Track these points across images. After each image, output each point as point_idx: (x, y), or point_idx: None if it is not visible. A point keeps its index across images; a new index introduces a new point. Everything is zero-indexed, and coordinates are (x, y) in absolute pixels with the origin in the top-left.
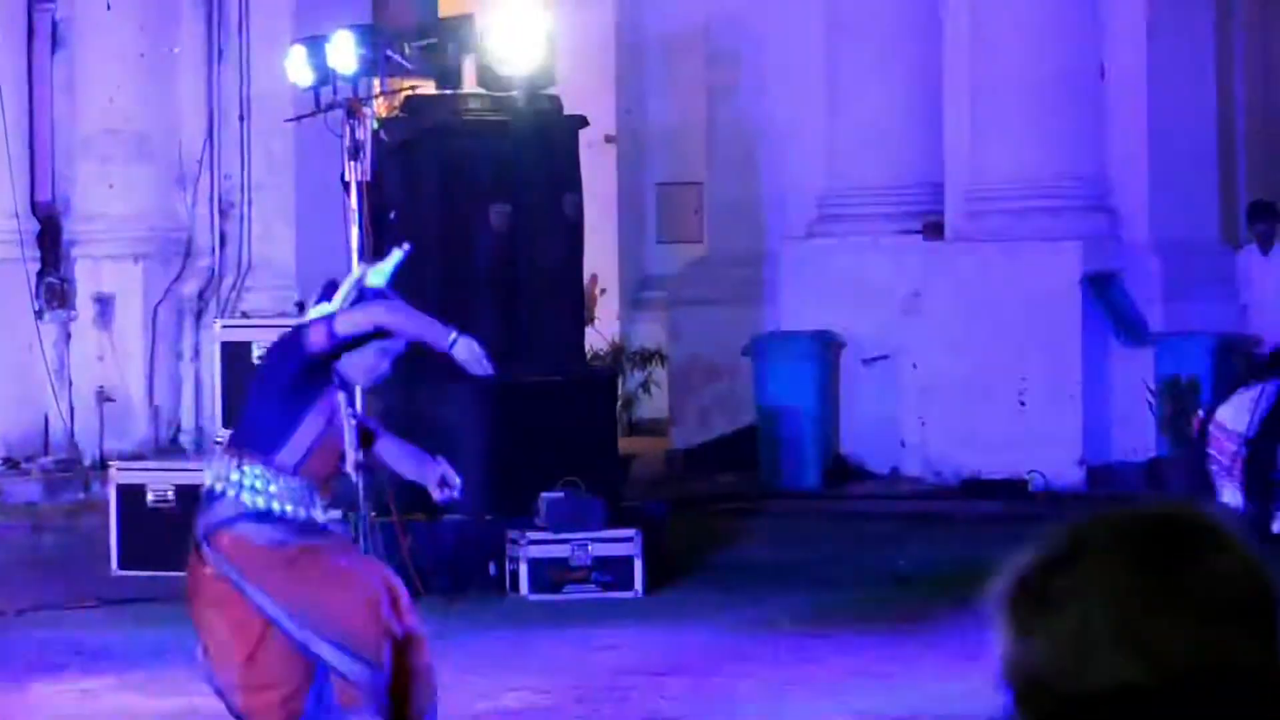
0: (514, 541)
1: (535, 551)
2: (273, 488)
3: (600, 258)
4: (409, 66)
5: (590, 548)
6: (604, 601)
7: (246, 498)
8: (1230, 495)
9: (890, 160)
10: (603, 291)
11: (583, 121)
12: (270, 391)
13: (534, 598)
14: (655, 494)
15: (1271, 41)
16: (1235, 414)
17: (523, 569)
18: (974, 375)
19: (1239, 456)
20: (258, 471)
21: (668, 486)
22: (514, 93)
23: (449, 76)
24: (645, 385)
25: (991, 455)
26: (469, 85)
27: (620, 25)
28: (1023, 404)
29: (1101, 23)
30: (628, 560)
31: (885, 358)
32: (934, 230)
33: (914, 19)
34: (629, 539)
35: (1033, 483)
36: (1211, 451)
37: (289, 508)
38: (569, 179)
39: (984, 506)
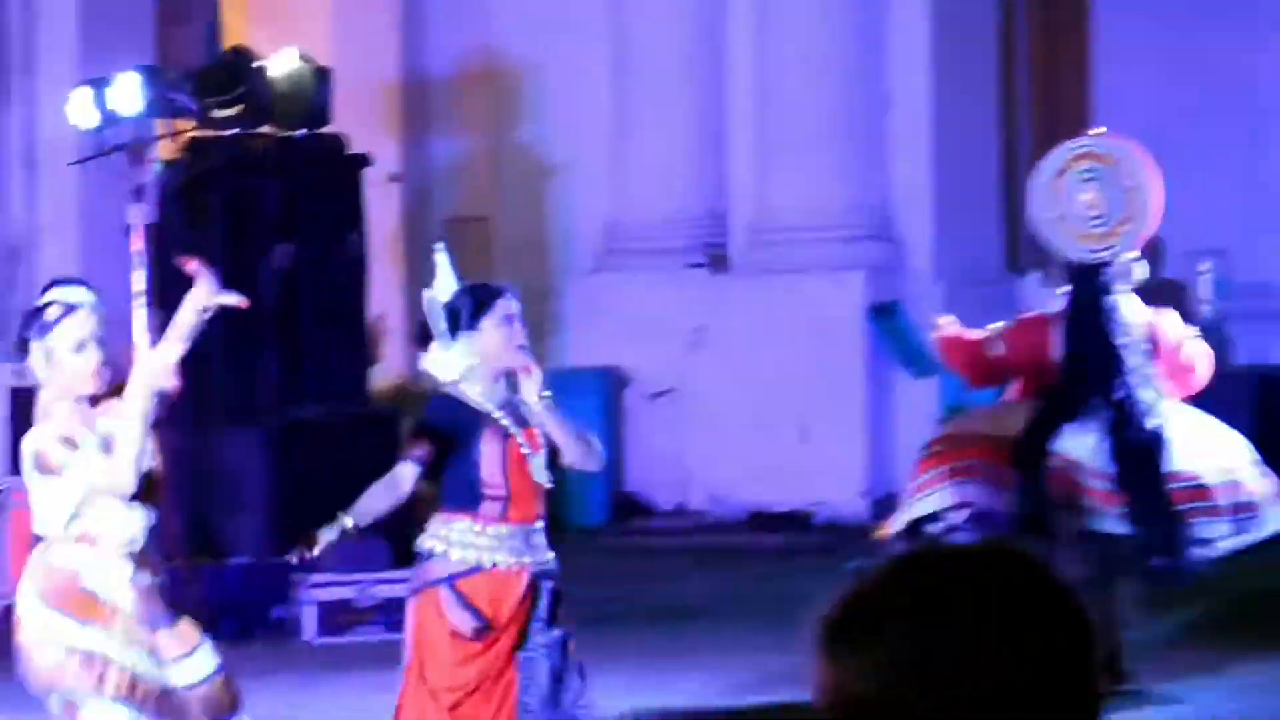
0: (299, 584)
1: (321, 594)
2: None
3: (387, 296)
4: (192, 108)
5: (375, 589)
6: (391, 642)
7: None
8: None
9: (675, 193)
10: (389, 330)
11: (365, 160)
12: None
13: (320, 641)
14: None
15: (1054, 71)
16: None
17: (308, 612)
18: (759, 408)
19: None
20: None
21: None
22: (296, 132)
23: (232, 117)
24: None
25: (776, 488)
26: (251, 126)
27: (403, 63)
28: (807, 436)
29: (885, 53)
30: None
31: (670, 392)
32: (719, 263)
33: (698, 51)
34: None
35: (816, 515)
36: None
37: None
38: (352, 217)
39: (769, 539)
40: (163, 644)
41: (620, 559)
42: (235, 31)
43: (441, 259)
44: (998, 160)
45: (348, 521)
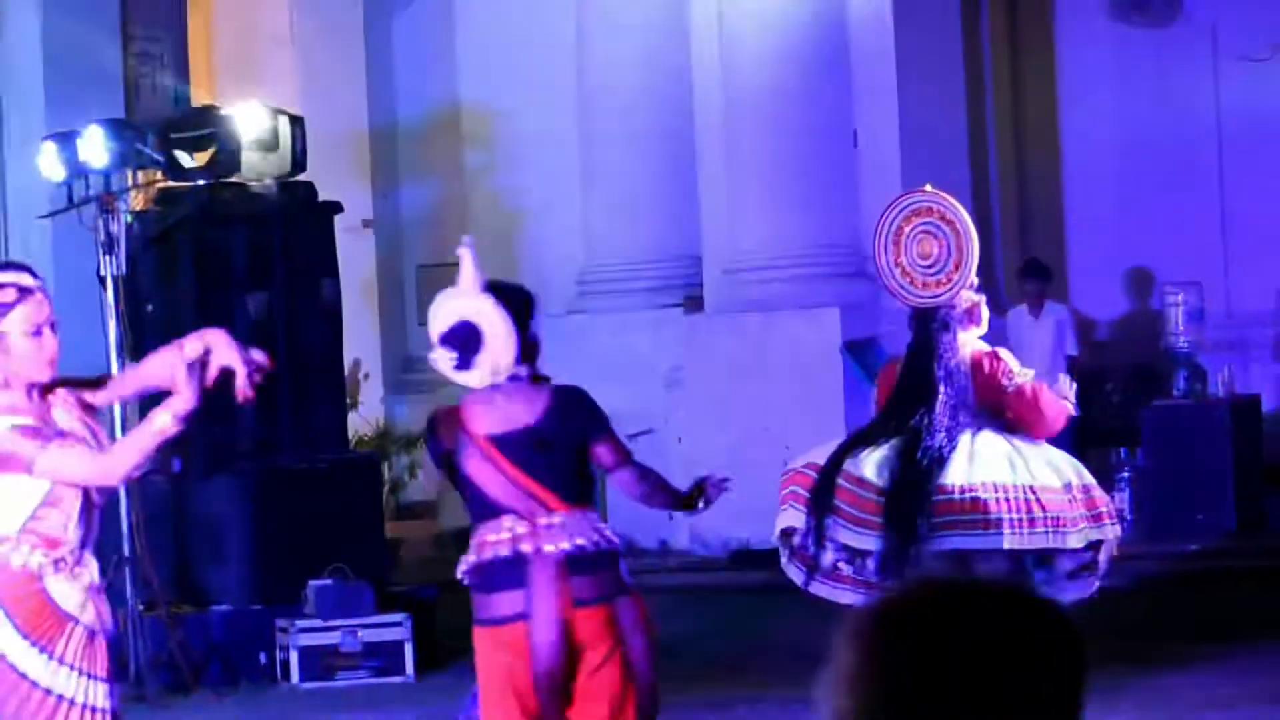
0: (283, 630)
1: (305, 640)
2: None
3: (362, 342)
4: (160, 160)
5: (360, 634)
6: (376, 687)
7: None
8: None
9: (647, 235)
10: (365, 376)
11: (337, 207)
12: None
13: (306, 686)
14: (425, 577)
15: (1022, 103)
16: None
17: (293, 657)
18: (739, 446)
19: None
20: None
21: (437, 569)
22: (267, 182)
23: (201, 168)
24: (411, 469)
25: (759, 525)
26: (221, 176)
27: (372, 109)
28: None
29: (852, 89)
30: (398, 645)
31: (649, 432)
32: (694, 304)
33: (665, 92)
34: (399, 623)
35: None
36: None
37: None
38: (326, 265)
39: (752, 577)
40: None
41: None
42: (203, 84)
43: (466, 257)
44: (968, 195)
45: None
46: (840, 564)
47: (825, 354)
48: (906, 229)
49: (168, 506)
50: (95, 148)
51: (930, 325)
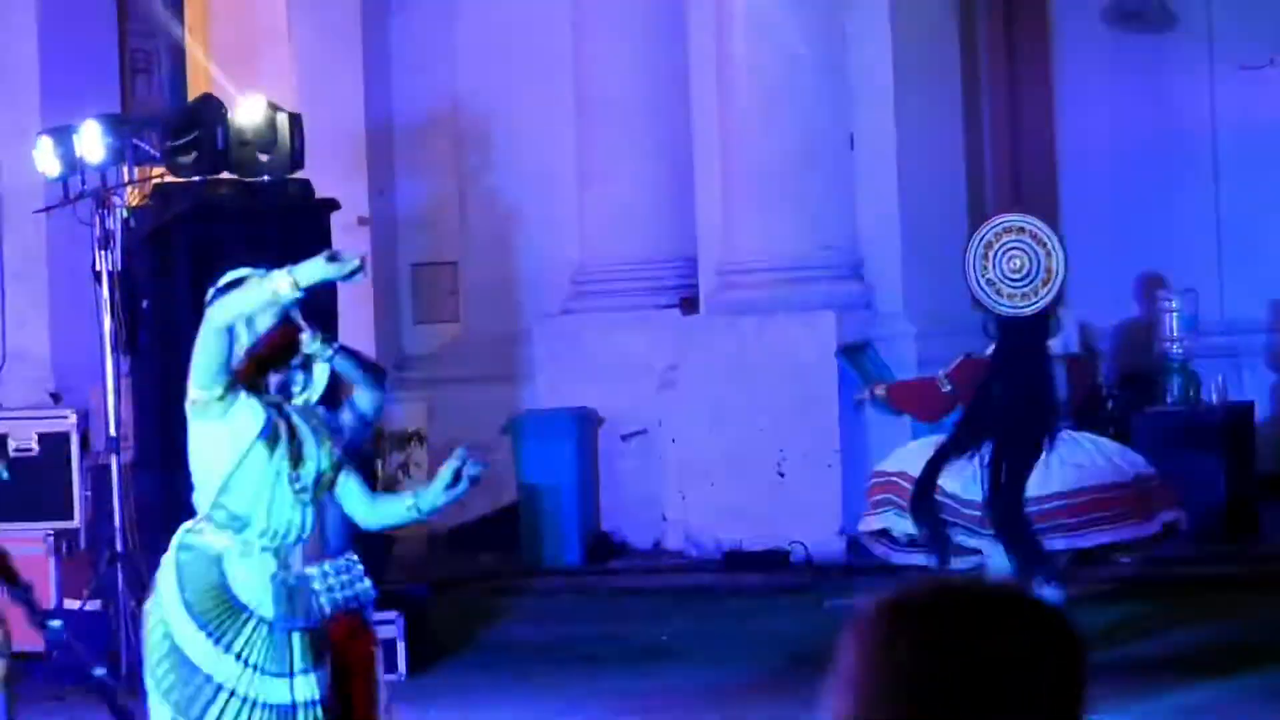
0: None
1: None
2: None
3: (356, 339)
4: (157, 155)
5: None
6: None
7: None
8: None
9: (643, 235)
10: None
11: (334, 204)
12: None
13: None
14: (417, 576)
15: (1019, 106)
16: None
17: None
18: (733, 447)
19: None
20: None
21: (430, 568)
22: (263, 178)
23: (198, 163)
24: (405, 466)
25: (752, 527)
26: (216, 172)
27: (368, 107)
28: (782, 475)
29: (849, 92)
30: (390, 643)
31: (644, 432)
32: (690, 305)
33: (662, 93)
34: (390, 622)
35: (794, 554)
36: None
37: None
38: None
39: (746, 579)
40: None
41: (597, 599)
42: (199, 79)
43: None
44: (965, 197)
45: None
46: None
47: (820, 357)
48: (996, 244)
49: (161, 502)
50: (91, 143)
51: (1028, 334)
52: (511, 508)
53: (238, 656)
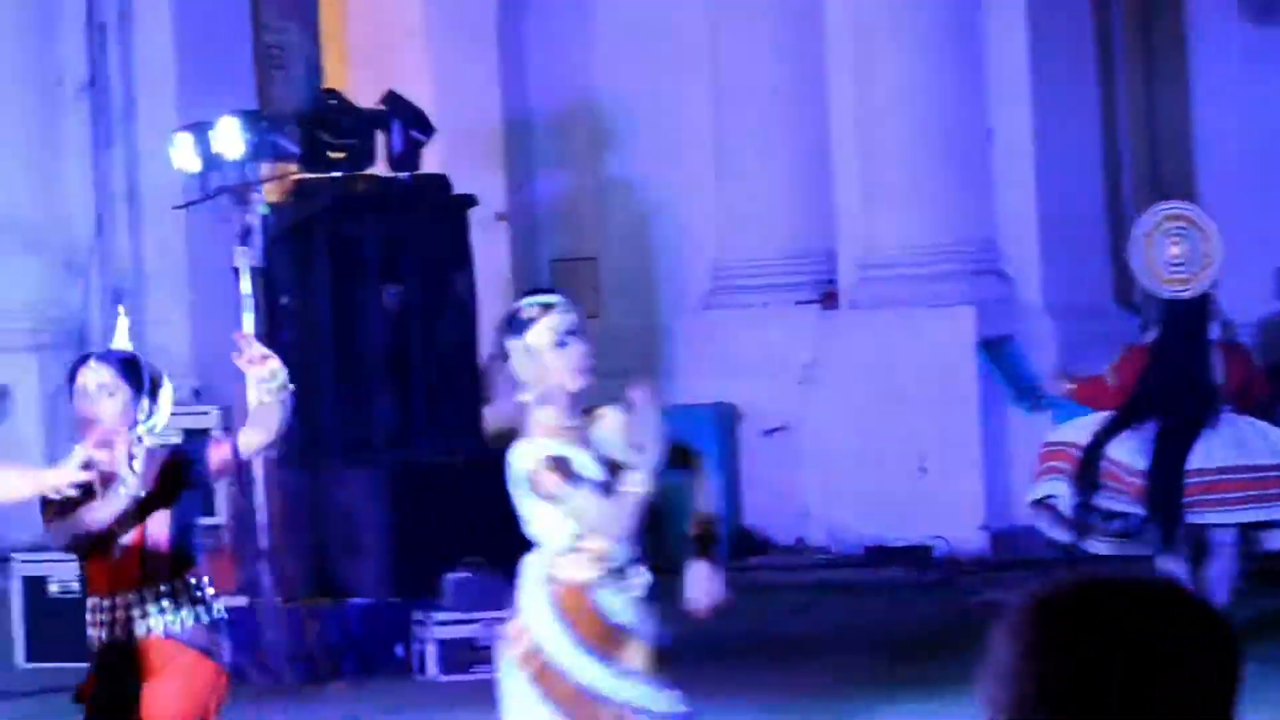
0: (420, 623)
1: (442, 632)
2: None
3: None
4: (294, 151)
5: (498, 626)
6: None
7: None
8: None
9: (782, 230)
10: (500, 371)
11: (472, 200)
12: None
13: (443, 679)
14: None
15: (1155, 100)
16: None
17: (430, 650)
18: (874, 443)
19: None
20: None
21: None
22: (402, 174)
23: (335, 160)
24: None
25: (894, 522)
26: (355, 168)
27: (505, 102)
28: (924, 470)
29: (986, 86)
30: None
31: (784, 428)
32: (830, 299)
33: (800, 88)
34: None
35: (936, 549)
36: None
37: None
38: (460, 258)
39: (888, 574)
40: None
41: (738, 595)
42: (335, 76)
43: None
44: (1102, 190)
45: None
46: (1099, 524)
47: (960, 352)
48: (1157, 230)
49: (304, 499)
50: (230, 139)
51: (1188, 318)
52: (650, 504)
53: None
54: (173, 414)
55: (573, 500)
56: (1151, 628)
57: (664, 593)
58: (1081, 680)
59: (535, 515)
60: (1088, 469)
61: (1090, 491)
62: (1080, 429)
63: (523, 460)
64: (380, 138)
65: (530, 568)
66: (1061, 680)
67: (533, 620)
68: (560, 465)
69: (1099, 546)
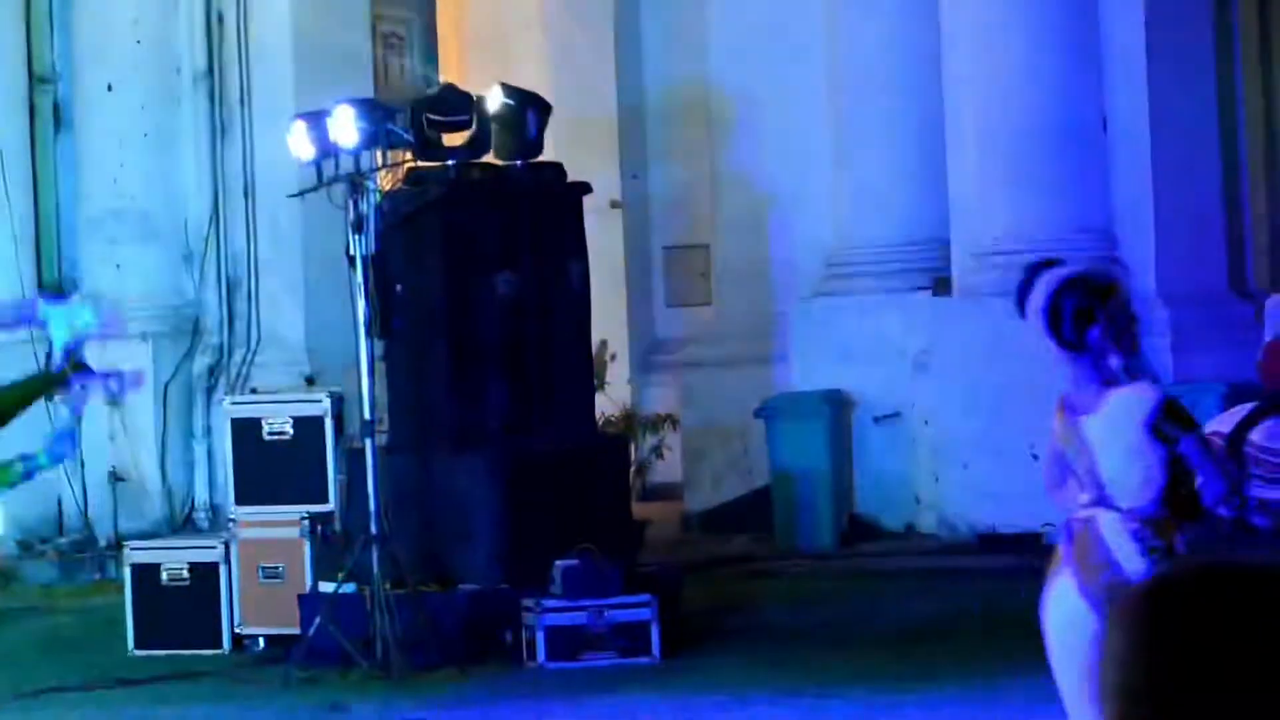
0: (529, 609)
1: (551, 619)
2: None
3: (609, 323)
4: (410, 139)
5: (606, 614)
6: (621, 668)
7: None
8: None
9: (897, 218)
10: (613, 357)
11: (586, 188)
12: None
13: (551, 665)
14: (670, 558)
15: (1272, 89)
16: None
17: (539, 637)
18: (986, 430)
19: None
20: None
21: (683, 550)
22: (516, 162)
23: (450, 149)
24: (658, 450)
25: (1006, 509)
26: (470, 157)
27: (620, 90)
28: (1035, 457)
29: (1101, 73)
30: (644, 625)
31: (897, 415)
32: (943, 286)
33: (915, 77)
34: (645, 604)
35: (1047, 535)
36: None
37: None
38: (574, 246)
39: (1000, 561)
40: None
41: (850, 581)
42: (452, 65)
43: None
44: (1219, 178)
45: None
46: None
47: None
48: None
49: (416, 486)
50: (345, 127)
51: None
52: (764, 490)
53: None
54: (285, 401)
55: None
56: (1264, 612)
57: None
58: (1194, 670)
59: None
60: (1233, 453)
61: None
62: (1223, 419)
63: None
64: (493, 126)
65: None
66: (1174, 670)
67: None
68: None
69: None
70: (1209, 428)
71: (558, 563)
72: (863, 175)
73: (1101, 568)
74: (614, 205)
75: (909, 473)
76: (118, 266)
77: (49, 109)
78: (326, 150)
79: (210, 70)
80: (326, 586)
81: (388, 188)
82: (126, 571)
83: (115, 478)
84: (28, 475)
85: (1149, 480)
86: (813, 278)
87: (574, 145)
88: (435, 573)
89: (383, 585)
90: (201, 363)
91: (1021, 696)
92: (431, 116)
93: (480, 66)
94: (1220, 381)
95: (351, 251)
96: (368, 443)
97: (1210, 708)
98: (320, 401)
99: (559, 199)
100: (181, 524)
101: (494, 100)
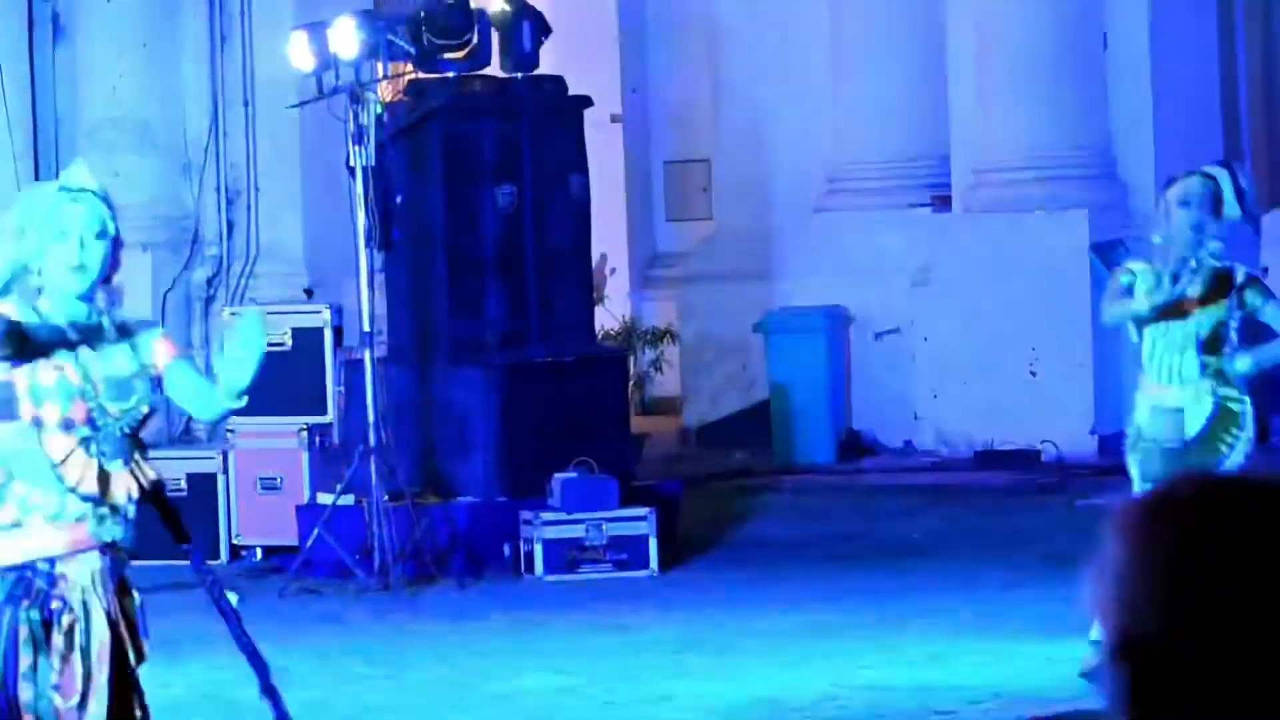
0: (528, 522)
1: (550, 532)
2: None
3: (609, 237)
4: (410, 51)
5: (604, 527)
6: (619, 581)
7: None
8: None
9: (897, 134)
10: (612, 271)
11: (587, 101)
12: None
13: (549, 578)
14: (669, 472)
15: (1272, 8)
16: None
17: (538, 550)
18: (985, 347)
19: None
20: None
21: (681, 464)
22: (517, 74)
23: (451, 60)
24: (657, 364)
25: (1004, 426)
26: (470, 69)
27: (622, 5)
28: (1034, 374)
29: None
30: (642, 539)
31: (896, 331)
32: (943, 203)
33: None
34: (643, 518)
35: (1045, 453)
36: None
37: None
38: (575, 159)
39: (997, 477)
40: None
41: (848, 497)
42: None
43: None
44: (1218, 98)
45: None
46: None
47: (1072, 256)
48: None
49: (414, 398)
50: (345, 38)
51: None
52: (762, 405)
53: None
54: (284, 312)
55: None
56: (1263, 523)
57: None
58: (1195, 582)
59: None
60: None
61: None
62: None
63: None
64: (495, 38)
65: None
66: (1174, 582)
67: None
68: None
69: None
70: None
71: (556, 476)
72: (863, 91)
73: None
74: (614, 120)
75: (908, 389)
76: (116, 175)
77: (48, 17)
78: (326, 61)
79: None
80: (324, 498)
81: (388, 99)
82: None
83: None
84: None
85: None
86: (813, 193)
87: (575, 59)
88: (434, 485)
89: (381, 497)
90: (200, 274)
91: (1020, 613)
92: (431, 28)
93: None
94: None
95: (351, 163)
96: (366, 354)
97: (1210, 621)
98: (319, 313)
99: (560, 112)
100: (179, 435)
101: (494, 10)
